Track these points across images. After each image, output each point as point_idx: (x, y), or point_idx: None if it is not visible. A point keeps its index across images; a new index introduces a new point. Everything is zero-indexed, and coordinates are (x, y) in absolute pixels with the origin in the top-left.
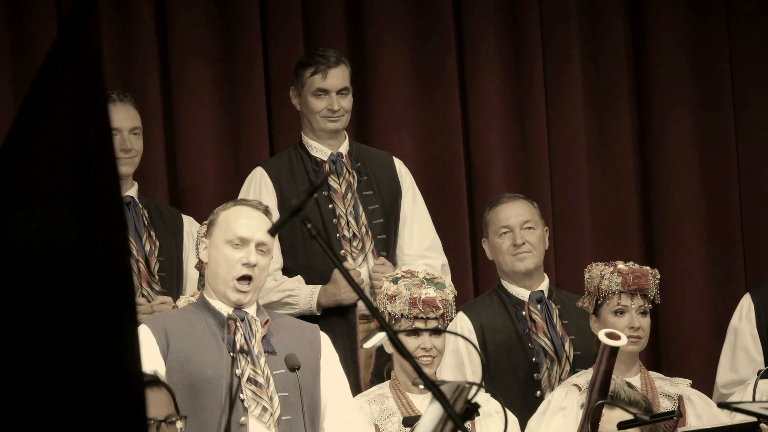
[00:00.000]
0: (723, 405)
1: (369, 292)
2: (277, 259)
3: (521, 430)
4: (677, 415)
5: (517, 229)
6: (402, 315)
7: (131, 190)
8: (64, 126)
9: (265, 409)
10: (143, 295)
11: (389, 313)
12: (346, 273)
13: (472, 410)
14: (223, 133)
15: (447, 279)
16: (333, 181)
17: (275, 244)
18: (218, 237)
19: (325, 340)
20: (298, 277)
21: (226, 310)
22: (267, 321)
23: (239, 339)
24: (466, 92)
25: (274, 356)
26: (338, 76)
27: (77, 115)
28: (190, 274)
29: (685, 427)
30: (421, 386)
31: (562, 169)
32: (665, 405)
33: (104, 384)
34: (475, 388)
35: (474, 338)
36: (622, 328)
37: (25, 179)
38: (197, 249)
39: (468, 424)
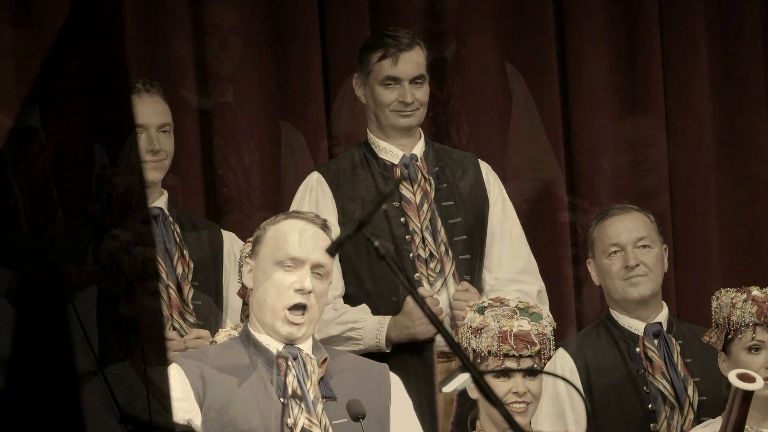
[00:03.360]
0: None
1: (449, 324)
2: (337, 285)
3: None
4: None
5: (630, 247)
6: (489, 352)
7: (160, 201)
8: (77, 122)
9: None
10: (174, 328)
11: (474, 350)
12: (421, 301)
13: None
14: (272, 131)
15: (544, 308)
16: (405, 190)
17: (335, 266)
18: (266, 257)
19: (395, 382)
20: (363, 307)
21: (275, 346)
22: (325, 359)
23: (291, 381)
24: (568, 81)
25: (334, 402)
26: (412, 62)
27: (93, 108)
28: (232, 303)
29: None
30: None
31: (685, 174)
32: None
33: None
34: None
35: (577, 380)
36: (758, 369)
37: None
38: (240, 272)
39: None
